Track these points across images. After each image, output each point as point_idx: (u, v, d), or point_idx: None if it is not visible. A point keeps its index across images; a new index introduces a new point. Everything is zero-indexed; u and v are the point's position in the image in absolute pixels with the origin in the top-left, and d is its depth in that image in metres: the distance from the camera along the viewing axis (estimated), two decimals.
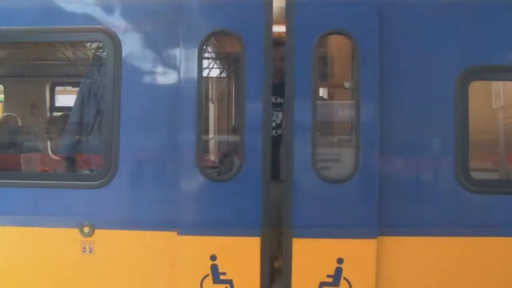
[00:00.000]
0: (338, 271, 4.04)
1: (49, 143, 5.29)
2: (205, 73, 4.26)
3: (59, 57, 5.39)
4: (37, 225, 4.29)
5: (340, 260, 4.04)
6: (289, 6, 4.12)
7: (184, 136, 4.12)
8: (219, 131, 4.38)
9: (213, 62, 4.02)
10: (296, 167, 4.05)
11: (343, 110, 4.33)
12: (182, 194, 4.14)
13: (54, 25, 4.41)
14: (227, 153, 4.83)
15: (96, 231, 4.22)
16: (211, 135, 4.34)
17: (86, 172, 4.73)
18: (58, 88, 6.82)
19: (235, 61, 4.25)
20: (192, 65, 4.11)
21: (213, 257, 4.09)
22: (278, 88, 4.52)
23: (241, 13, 4.15)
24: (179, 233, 4.12)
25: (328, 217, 4.09)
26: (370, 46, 4.05)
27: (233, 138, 4.18)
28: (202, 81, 4.19)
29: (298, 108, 4.07)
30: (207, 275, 4.09)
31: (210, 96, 4.27)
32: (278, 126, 4.86)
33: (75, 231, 4.25)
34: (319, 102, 4.08)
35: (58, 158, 5.08)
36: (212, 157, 4.33)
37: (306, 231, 4.06)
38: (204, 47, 4.19)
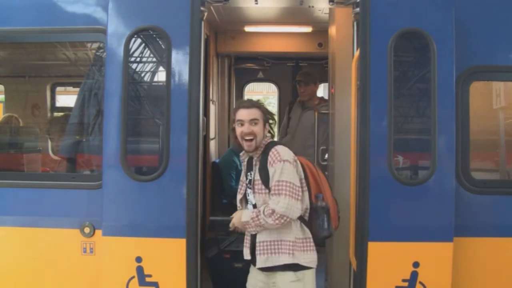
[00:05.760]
0: (414, 275, 3.99)
1: (49, 144, 5.28)
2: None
3: (60, 57, 5.39)
4: (38, 225, 4.31)
5: (416, 264, 4.00)
6: (364, 6, 4.07)
7: (108, 135, 4.10)
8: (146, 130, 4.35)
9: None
10: (372, 171, 4.00)
11: (419, 111, 4.23)
12: (105, 194, 4.11)
13: (55, 25, 4.43)
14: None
15: (97, 231, 4.23)
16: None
17: (87, 172, 4.73)
18: (58, 89, 6.83)
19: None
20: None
21: (138, 259, 4.04)
22: None
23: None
24: (104, 234, 4.09)
25: (404, 220, 4.05)
26: (447, 45, 4.02)
27: (162, 138, 4.11)
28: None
29: (374, 111, 4.01)
30: (133, 277, 4.05)
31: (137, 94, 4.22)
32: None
33: (76, 231, 4.26)
34: (396, 103, 4.03)
35: (59, 158, 5.07)
36: (138, 156, 4.29)
37: (382, 235, 4.01)
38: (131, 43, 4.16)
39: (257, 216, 3.68)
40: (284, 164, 3.69)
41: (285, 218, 3.62)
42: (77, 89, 5.00)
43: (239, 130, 3.82)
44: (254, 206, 3.84)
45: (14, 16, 4.45)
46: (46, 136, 5.55)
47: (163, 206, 4.08)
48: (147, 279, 4.05)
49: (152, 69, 4.40)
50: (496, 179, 4.68)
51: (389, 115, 4.00)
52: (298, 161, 3.82)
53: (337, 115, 4.89)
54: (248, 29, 7.06)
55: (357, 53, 4.20)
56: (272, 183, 3.69)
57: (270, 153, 3.75)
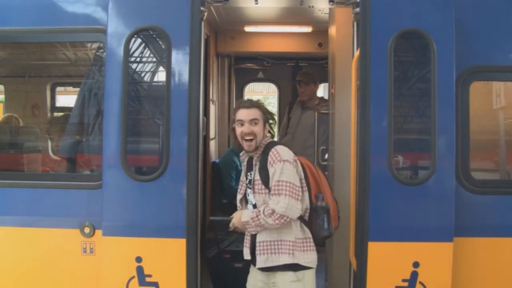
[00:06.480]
0: (414, 275, 4.00)
1: (49, 144, 5.29)
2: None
3: (60, 57, 5.40)
4: (38, 225, 4.31)
5: (416, 264, 4.00)
6: (364, 6, 4.08)
7: (108, 135, 4.10)
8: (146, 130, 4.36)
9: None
10: (372, 171, 4.01)
11: (419, 111, 4.23)
12: (105, 194, 4.11)
13: (55, 25, 4.43)
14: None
15: (97, 231, 4.23)
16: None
17: (87, 172, 4.73)
18: (58, 89, 6.83)
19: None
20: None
21: (138, 259, 4.04)
22: None
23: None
24: (104, 234, 4.10)
25: (404, 220, 4.06)
26: (447, 45, 4.02)
27: (162, 138, 4.11)
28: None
29: (374, 111, 4.01)
30: (133, 277, 4.05)
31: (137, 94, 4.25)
32: None
33: (76, 231, 4.26)
34: (396, 104, 4.04)
35: (59, 158, 5.07)
36: (138, 156, 4.29)
37: (382, 235, 4.01)
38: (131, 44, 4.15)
39: (257, 216, 3.68)
40: (284, 164, 3.69)
41: (285, 218, 3.62)
42: (77, 89, 5.01)
43: (239, 130, 3.82)
44: (254, 206, 3.84)
45: (14, 16, 4.46)
46: (46, 136, 5.56)
47: (163, 206, 4.09)
48: (147, 279, 4.05)
49: (152, 69, 4.41)
50: (496, 179, 4.68)
51: (389, 115, 4.00)
52: (298, 161, 3.82)
53: (337, 115, 4.89)
54: (248, 29, 7.06)
55: (357, 53, 4.21)
56: (272, 183, 3.69)
57: (270, 153, 3.74)
